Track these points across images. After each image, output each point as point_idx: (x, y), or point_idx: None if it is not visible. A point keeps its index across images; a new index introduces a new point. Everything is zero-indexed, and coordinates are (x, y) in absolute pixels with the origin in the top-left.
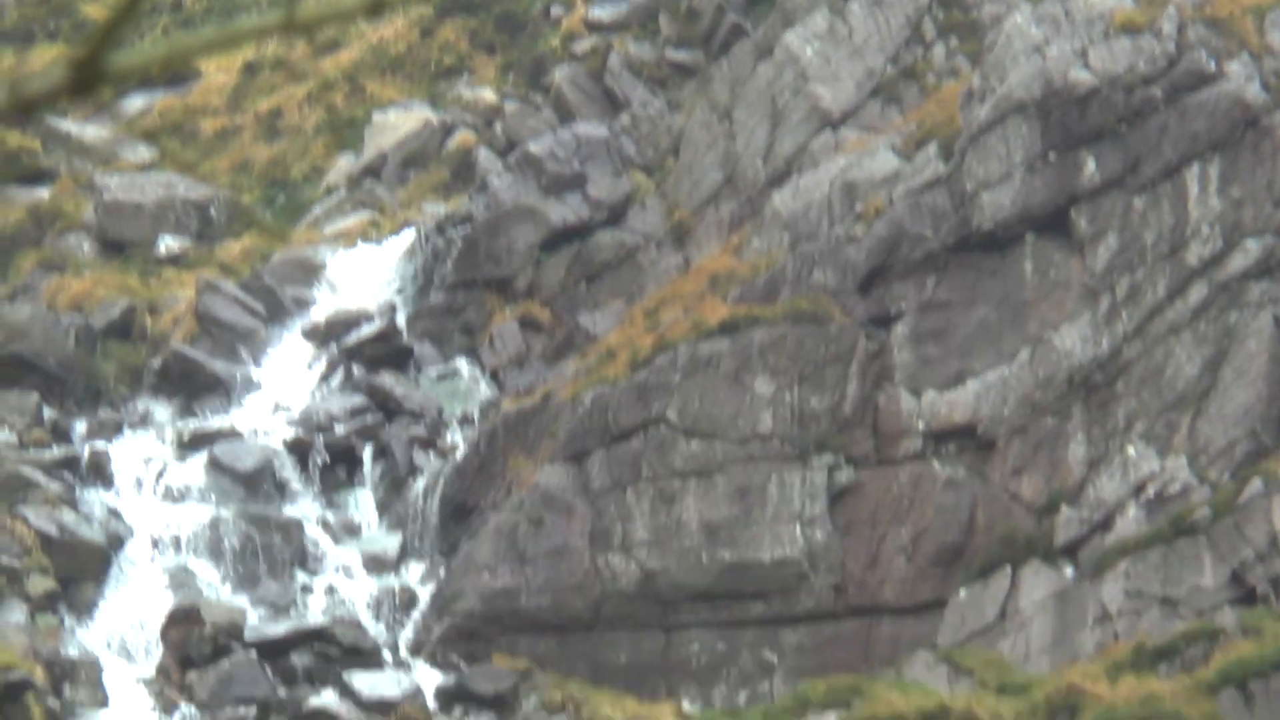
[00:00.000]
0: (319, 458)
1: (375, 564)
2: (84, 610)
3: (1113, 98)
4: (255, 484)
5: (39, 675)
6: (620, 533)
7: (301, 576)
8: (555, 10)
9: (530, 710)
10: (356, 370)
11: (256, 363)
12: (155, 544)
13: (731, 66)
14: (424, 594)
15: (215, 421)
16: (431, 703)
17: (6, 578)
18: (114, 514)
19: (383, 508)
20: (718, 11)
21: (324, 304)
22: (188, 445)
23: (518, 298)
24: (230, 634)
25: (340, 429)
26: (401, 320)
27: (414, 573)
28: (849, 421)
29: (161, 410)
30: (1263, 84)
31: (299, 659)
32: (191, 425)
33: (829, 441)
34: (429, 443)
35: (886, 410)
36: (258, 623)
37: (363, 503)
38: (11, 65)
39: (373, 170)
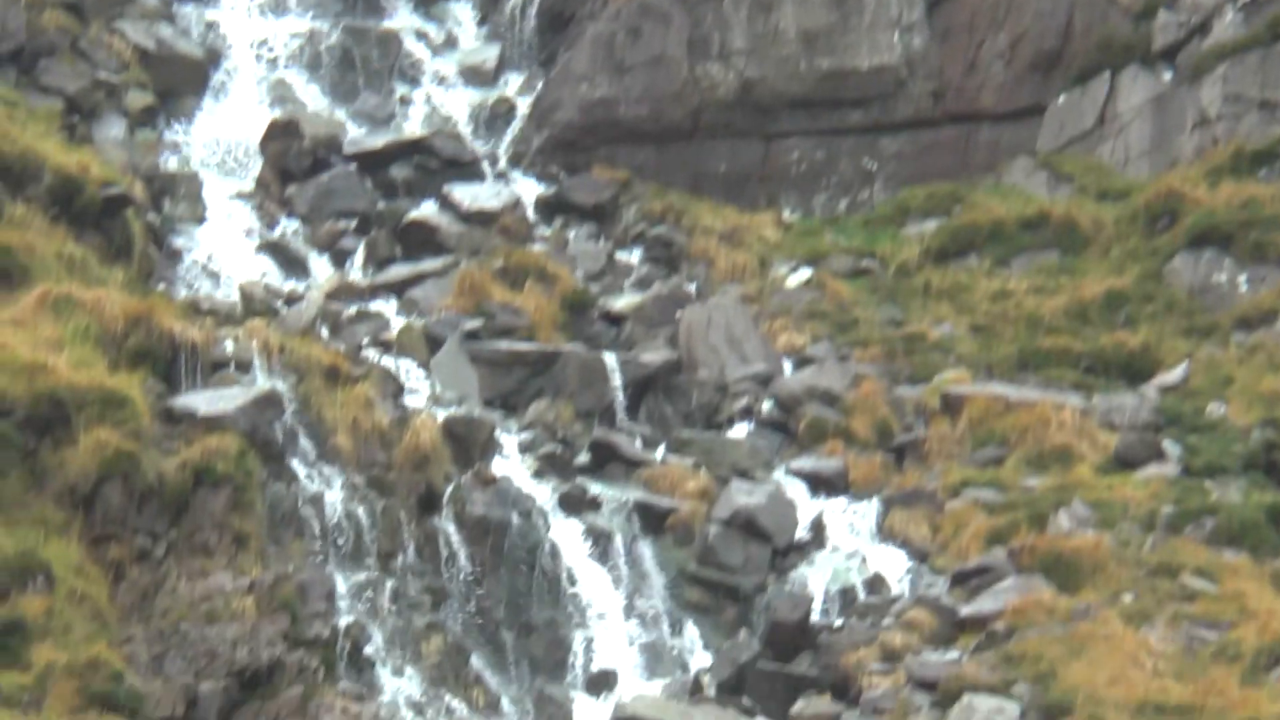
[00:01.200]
0: None
1: (473, 75)
2: (183, 125)
3: None
4: None
5: (138, 190)
6: (718, 41)
7: (400, 88)
8: None
9: (630, 220)
10: None
11: None
12: (253, 57)
13: None
14: (522, 105)
15: None
16: (531, 213)
17: (105, 93)
18: (211, 27)
19: (481, 19)
20: None
21: None
22: None
23: None
24: (329, 147)
25: None
26: None
27: (512, 84)
28: None
29: None
30: None
31: (398, 171)
32: None
33: None
34: None
35: None
36: (356, 135)
37: (460, 14)
38: None
39: None
